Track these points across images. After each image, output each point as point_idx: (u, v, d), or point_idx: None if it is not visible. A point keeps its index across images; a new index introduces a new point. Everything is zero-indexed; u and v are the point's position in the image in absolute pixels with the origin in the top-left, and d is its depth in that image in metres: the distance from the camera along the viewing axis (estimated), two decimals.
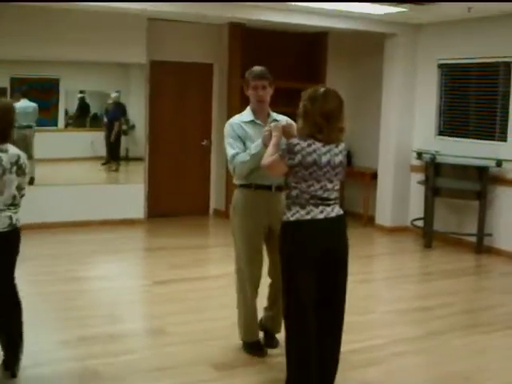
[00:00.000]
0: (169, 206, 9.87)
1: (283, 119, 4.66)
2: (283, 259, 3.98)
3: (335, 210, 3.95)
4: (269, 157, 3.97)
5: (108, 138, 9.87)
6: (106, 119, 9.87)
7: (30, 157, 9.01)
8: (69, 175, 9.50)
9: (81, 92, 9.75)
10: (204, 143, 10.06)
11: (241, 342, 4.86)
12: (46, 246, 8.00)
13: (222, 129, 10.14)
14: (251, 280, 4.72)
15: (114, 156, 9.94)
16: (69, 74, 9.43)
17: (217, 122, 10.02)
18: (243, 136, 4.66)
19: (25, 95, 9.06)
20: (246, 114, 4.78)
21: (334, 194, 3.95)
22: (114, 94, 9.72)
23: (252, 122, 4.71)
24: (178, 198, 9.93)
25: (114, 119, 9.77)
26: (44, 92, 9.39)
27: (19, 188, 4.22)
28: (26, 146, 9.01)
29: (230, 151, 4.68)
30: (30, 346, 4.78)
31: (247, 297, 4.75)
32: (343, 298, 4.09)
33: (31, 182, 8.89)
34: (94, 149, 9.83)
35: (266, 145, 4.23)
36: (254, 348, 4.79)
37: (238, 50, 9.53)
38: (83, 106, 9.80)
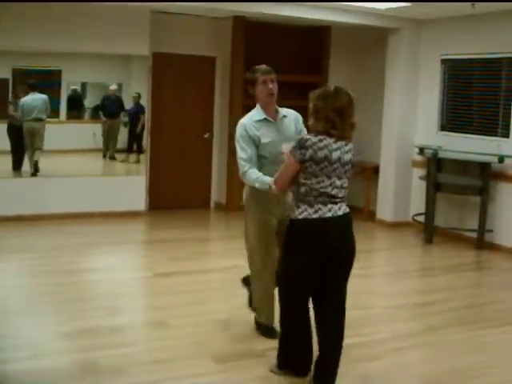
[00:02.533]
0: (170, 199, 9.87)
1: (291, 113, 4.92)
2: (286, 253, 4.08)
3: (342, 208, 4.01)
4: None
5: (132, 130, 9.99)
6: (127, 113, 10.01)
7: (39, 149, 9.11)
8: (70, 167, 9.51)
9: (74, 85, 9.81)
10: (206, 136, 10.05)
11: (257, 322, 5.07)
12: (47, 237, 8.00)
13: (224, 122, 10.25)
14: (268, 269, 4.85)
15: (137, 148, 10.04)
16: (70, 66, 9.42)
17: (219, 115, 10.02)
18: (256, 137, 4.75)
19: (33, 89, 9.07)
20: (257, 113, 4.87)
21: (343, 193, 4.01)
22: (134, 94, 9.86)
23: (264, 119, 4.82)
24: (179, 190, 9.93)
25: (138, 112, 9.83)
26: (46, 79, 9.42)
27: None
28: (35, 139, 9.09)
29: (241, 160, 4.74)
30: (30, 338, 4.81)
31: (267, 285, 4.90)
32: (344, 293, 4.15)
33: (35, 173, 8.96)
34: (96, 141, 9.85)
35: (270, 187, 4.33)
36: (269, 332, 4.95)
37: (241, 44, 9.51)
38: (75, 99, 9.81)
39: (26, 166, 9.00)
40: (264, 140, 4.73)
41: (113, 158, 10.01)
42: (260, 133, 4.75)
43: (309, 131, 4.08)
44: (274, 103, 4.89)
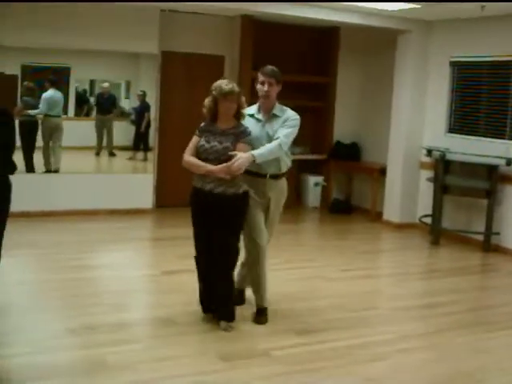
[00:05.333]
0: (177, 197, 9.85)
1: (288, 113, 5.17)
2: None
3: None
4: None
5: (137, 128, 10.04)
6: (133, 111, 10.11)
7: (60, 146, 9.16)
8: (77, 164, 9.54)
9: (83, 82, 9.89)
10: None
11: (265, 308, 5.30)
12: (55, 233, 8.03)
13: None
14: (261, 251, 5.16)
15: (144, 146, 10.11)
16: (79, 63, 9.46)
17: None
18: None
19: (53, 84, 9.12)
20: (253, 107, 5.24)
21: None
22: (140, 92, 9.95)
23: (252, 115, 5.17)
24: (186, 188, 9.85)
25: (144, 110, 9.88)
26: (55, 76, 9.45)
27: None
28: (58, 134, 9.13)
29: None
30: (35, 333, 4.83)
31: (264, 266, 5.22)
32: None
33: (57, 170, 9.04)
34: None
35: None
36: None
37: (250, 43, 9.52)
38: (81, 96, 9.86)
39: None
40: None
41: (112, 154, 10.03)
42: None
43: None
44: (270, 103, 5.15)
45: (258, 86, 5.12)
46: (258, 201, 5.16)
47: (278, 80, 5.10)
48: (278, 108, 5.19)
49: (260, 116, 5.18)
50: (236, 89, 4.88)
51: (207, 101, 5.04)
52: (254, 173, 5.09)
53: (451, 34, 9.04)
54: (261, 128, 5.13)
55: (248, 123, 5.08)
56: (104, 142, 9.95)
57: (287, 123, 5.10)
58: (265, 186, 5.17)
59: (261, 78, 5.09)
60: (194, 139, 5.10)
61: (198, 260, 5.17)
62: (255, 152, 4.85)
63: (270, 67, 5.12)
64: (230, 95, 4.85)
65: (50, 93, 9.10)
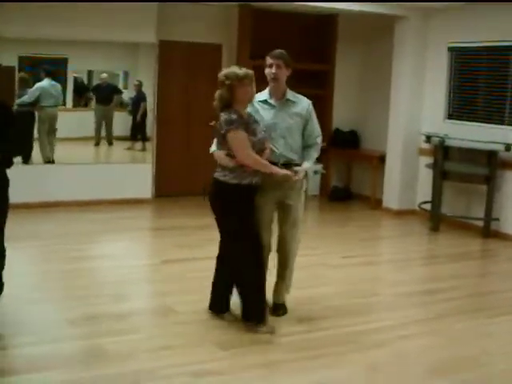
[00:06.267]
0: (176, 186, 9.88)
1: (301, 100, 5.11)
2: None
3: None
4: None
5: (134, 118, 10.02)
6: (130, 101, 10.06)
7: (55, 136, 9.13)
8: (76, 154, 9.53)
9: (80, 73, 9.82)
10: (212, 124, 10.01)
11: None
12: (54, 224, 8.03)
13: None
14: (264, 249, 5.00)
15: (141, 136, 10.09)
16: (77, 54, 9.41)
17: None
18: (255, 115, 4.93)
19: (48, 74, 9.08)
20: (263, 93, 5.06)
21: None
22: (136, 82, 9.91)
23: (265, 101, 5.00)
24: (185, 178, 9.93)
25: (140, 100, 9.86)
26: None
27: None
28: (52, 125, 9.11)
29: None
30: (36, 324, 4.83)
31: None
32: None
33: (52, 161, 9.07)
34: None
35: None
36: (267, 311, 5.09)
37: (248, 31, 9.49)
38: (79, 87, 9.82)
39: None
40: (260, 119, 4.92)
41: (110, 143, 10.01)
42: (258, 113, 4.94)
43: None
44: (280, 87, 5.00)
45: (267, 70, 4.97)
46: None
47: (287, 63, 4.97)
48: (290, 93, 5.07)
49: (272, 101, 5.02)
50: (250, 71, 4.73)
51: (219, 92, 4.73)
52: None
53: (449, 19, 9.00)
54: (275, 114, 4.98)
55: (261, 109, 4.97)
56: (103, 132, 9.92)
57: (312, 116, 5.13)
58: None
59: (269, 61, 4.95)
60: (243, 134, 4.63)
61: (259, 251, 4.86)
62: (309, 163, 5.01)
63: (278, 50, 5.01)
64: (247, 79, 4.68)
65: (44, 83, 9.04)
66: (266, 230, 5.01)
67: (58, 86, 9.24)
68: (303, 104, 5.10)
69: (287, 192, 4.99)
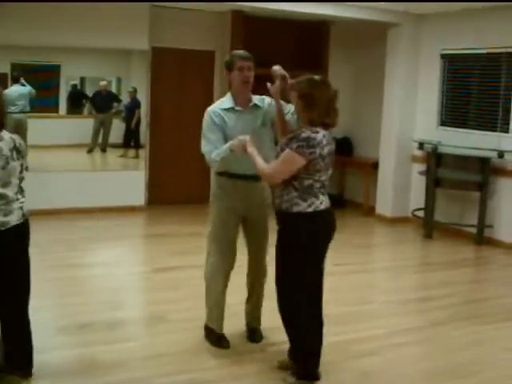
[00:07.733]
0: (169, 194, 9.86)
1: (265, 101, 4.67)
2: (289, 249, 4.02)
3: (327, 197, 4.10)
4: (265, 165, 4.06)
5: (128, 125, 10.00)
6: (124, 108, 10.03)
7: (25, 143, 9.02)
8: (69, 162, 9.50)
9: (73, 80, 9.78)
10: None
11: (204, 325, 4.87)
12: (46, 232, 7.98)
13: None
14: (223, 270, 4.67)
15: (135, 143, 10.05)
16: (69, 61, 9.39)
17: None
18: (222, 125, 4.54)
19: (16, 81, 9.00)
20: (226, 101, 4.68)
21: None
22: (130, 89, 9.85)
23: (231, 109, 4.60)
24: (178, 185, 9.92)
25: (134, 107, 9.84)
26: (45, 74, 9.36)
27: (20, 172, 4.06)
28: (19, 131, 9.01)
29: (204, 147, 4.71)
30: None
31: (217, 287, 4.71)
32: None
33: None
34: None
35: (232, 150, 4.31)
36: (214, 340, 4.73)
37: (240, 38, 9.46)
38: (75, 94, 9.79)
39: None
40: (229, 130, 4.50)
41: (104, 150, 9.96)
42: (225, 122, 4.53)
43: (304, 121, 4.00)
44: (248, 92, 4.63)
45: (235, 73, 4.57)
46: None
47: (254, 65, 4.60)
48: (255, 97, 4.65)
49: (239, 107, 4.58)
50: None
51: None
52: (233, 174, 4.61)
53: (442, 26, 9.02)
54: (243, 121, 4.54)
55: (228, 119, 4.54)
56: (99, 139, 9.89)
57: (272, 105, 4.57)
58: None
59: (239, 63, 4.56)
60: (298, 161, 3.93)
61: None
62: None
63: (244, 51, 4.66)
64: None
65: (9, 89, 8.86)
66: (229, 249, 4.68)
67: (26, 92, 9.03)
68: (266, 103, 4.67)
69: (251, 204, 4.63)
